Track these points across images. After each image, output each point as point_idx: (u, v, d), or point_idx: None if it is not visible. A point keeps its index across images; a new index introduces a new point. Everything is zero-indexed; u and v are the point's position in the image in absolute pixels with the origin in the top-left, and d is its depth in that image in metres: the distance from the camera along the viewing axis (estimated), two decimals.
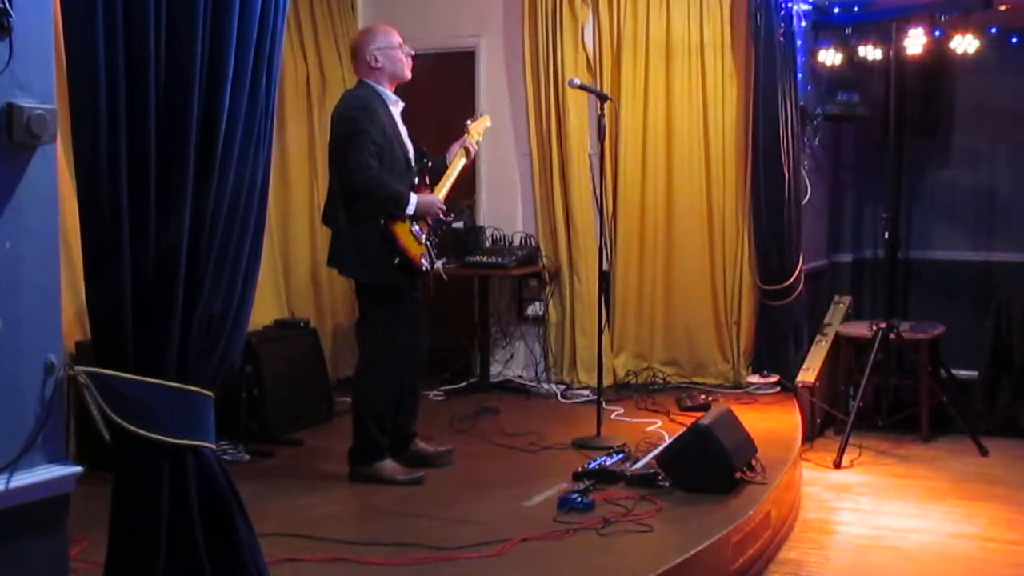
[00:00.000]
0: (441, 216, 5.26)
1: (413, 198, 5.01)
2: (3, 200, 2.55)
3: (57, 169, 2.70)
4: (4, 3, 2.47)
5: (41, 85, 2.61)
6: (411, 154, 5.16)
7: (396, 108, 5.13)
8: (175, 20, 2.76)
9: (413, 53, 5.20)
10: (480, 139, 5.52)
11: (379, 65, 5.07)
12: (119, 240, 2.72)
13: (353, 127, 4.91)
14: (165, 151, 2.78)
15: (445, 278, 5.29)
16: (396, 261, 4.97)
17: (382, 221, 4.94)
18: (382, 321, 5.08)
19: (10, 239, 2.56)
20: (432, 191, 5.21)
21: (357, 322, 5.29)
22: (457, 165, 5.37)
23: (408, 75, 5.17)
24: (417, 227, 5.07)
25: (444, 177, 5.31)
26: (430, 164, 5.27)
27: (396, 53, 5.10)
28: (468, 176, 7.29)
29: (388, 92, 5.10)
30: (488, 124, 5.64)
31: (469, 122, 5.51)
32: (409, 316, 5.15)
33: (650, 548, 4.16)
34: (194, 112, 2.80)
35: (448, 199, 5.32)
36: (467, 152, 5.41)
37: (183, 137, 2.79)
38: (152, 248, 2.78)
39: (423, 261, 5.07)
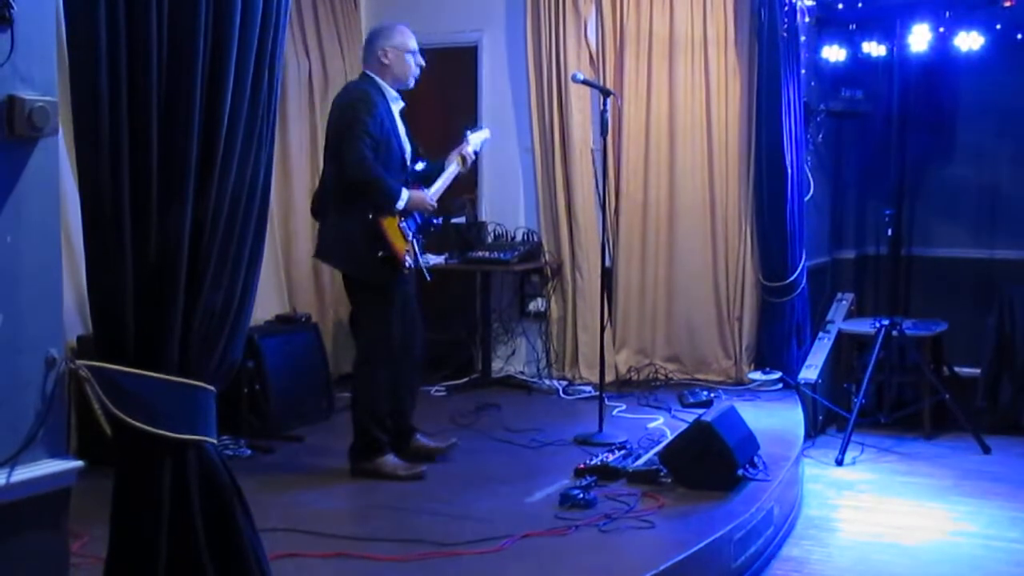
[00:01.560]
0: (431, 217, 5.24)
1: (405, 193, 5.01)
2: (4, 194, 2.54)
3: (58, 162, 2.70)
4: None
5: (43, 77, 2.60)
6: (407, 152, 5.15)
7: (396, 106, 5.13)
8: (177, 14, 2.75)
9: (424, 64, 5.20)
10: (478, 150, 5.53)
11: (387, 62, 5.08)
12: (121, 235, 2.71)
13: (351, 118, 4.91)
14: (167, 145, 2.77)
15: (428, 277, 5.26)
16: (379, 254, 4.96)
17: (370, 215, 4.93)
18: (373, 316, 5.07)
19: (11, 233, 2.56)
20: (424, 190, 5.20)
21: (350, 316, 5.27)
22: (452, 170, 5.36)
23: (411, 83, 5.19)
24: (405, 223, 5.06)
25: (438, 179, 5.31)
26: (425, 163, 5.27)
27: (407, 57, 5.12)
28: (470, 172, 7.27)
29: (390, 89, 5.10)
30: (487, 136, 5.65)
31: (469, 132, 5.52)
32: (401, 310, 5.13)
33: (652, 545, 4.15)
34: (196, 107, 2.79)
35: (441, 201, 5.32)
36: (463, 160, 5.40)
37: (185, 131, 2.79)
38: (154, 243, 2.77)
39: (407, 258, 5.04)
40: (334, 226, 5.03)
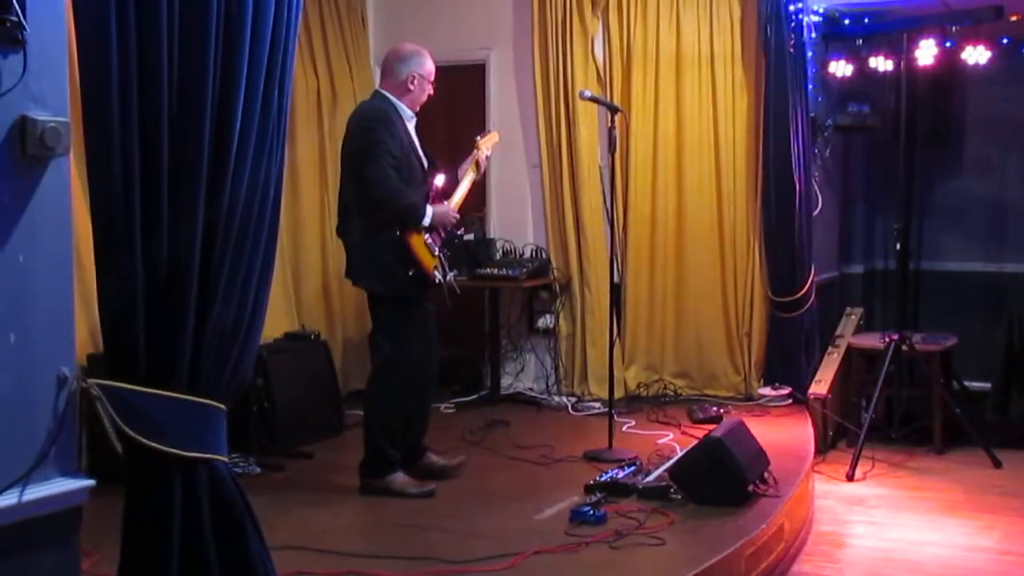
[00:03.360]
0: (455, 229, 5.28)
1: (429, 209, 5.04)
2: (16, 213, 2.56)
3: (70, 182, 2.71)
4: (18, 16, 2.48)
5: (55, 98, 2.62)
6: (426, 167, 5.18)
7: (411, 123, 5.15)
8: (187, 35, 2.78)
9: (433, 92, 5.23)
10: (489, 154, 5.55)
11: (412, 88, 5.10)
12: (132, 252, 2.73)
13: (372, 138, 4.93)
14: (178, 162, 2.79)
15: (458, 290, 5.29)
16: (410, 272, 4.98)
17: (397, 232, 4.95)
18: (395, 333, 5.07)
19: (23, 252, 2.57)
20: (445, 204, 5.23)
21: (371, 334, 5.29)
22: (467, 179, 5.40)
23: (417, 109, 5.21)
24: (431, 239, 5.09)
25: (455, 191, 5.33)
26: (442, 176, 5.29)
27: (428, 86, 5.15)
28: (479, 188, 7.29)
29: (404, 107, 5.12)
30: (496, 139, 5.68)
31: (478, 138, 5.55)
32: (422, 328, 5.15)
33: (662, 561, 4.14)
34: (206, 125, 2.81)
35: (459, 212, 5.34)
36: (477, 167, 5.44)
37: (195, 149, 2.80)
38: (165, 260, 2.78)
39: (436, 273, 5.08)
40: (362, 246, 5.03)
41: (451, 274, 5.19)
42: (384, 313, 5.13)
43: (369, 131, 4.96)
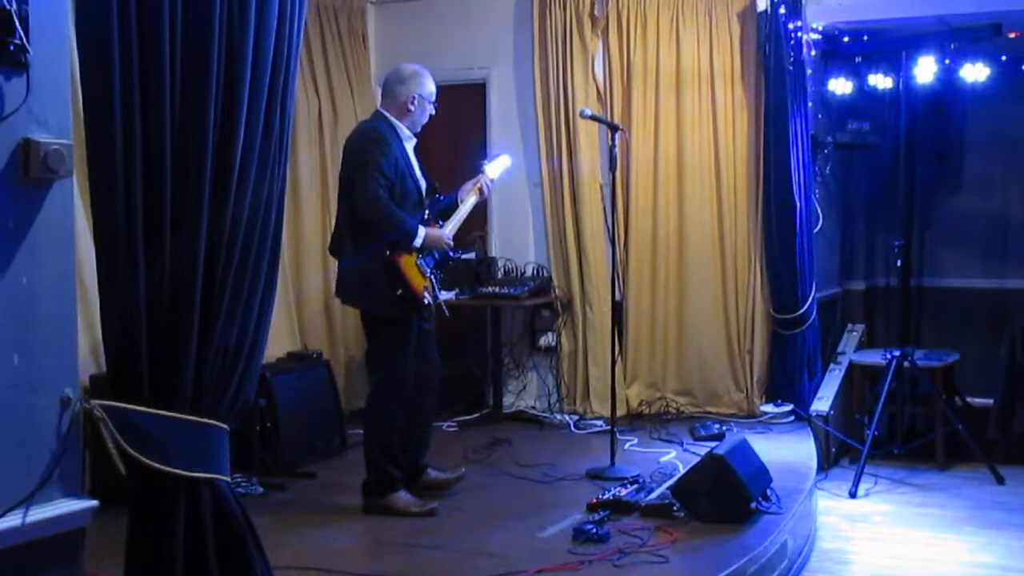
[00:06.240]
0: (449, 252, 5.26)
1: (422, 231, 5.02)
2: (20, 235, 2.57)
3: (73, 203, 2.72)
4: (22, 39, 2.50)
5: (58, 120, 2.64)
6: (424, 188, 5.18)
7: (409, 144, 5.16)
8: (189, 55, 2.80)
9: (435, 112, 5.24)
10: (496, 178, 5.52)
11: (412, 108, 5.11)
12: (134, 273, 2.74)
13: (364, 158, 4.94)
14: (180, 183, 2.80)
15: (447, 312, 5.27)
16: (398, 293, 4.97)
17: (387, 252, 4.95)
18: (389, 352, 5.07)
19: (27, 274, 2.58)
20: (442, 226, 5.22)
21: (366, 353, 5.28)
22: (468, 203, 5.37)
23: (418, 130, 5.21)
24: (423, 260, 5.08)
25: (454, 214, 5.32)
26: (441, 198, 5.30)
27: (429, 107, 5.16)
28: (480, 207, 7.31)
29: (403, 128, 5.13)
30: (508, 163, 5.64)
31: (485, 162, 5.52)
32: (418, 347, 5.14)
33: None
34: (209, 145, 2.83)
35: (456, 236, 5.33)
36: (480, 192, 5.41)
37: (198, 170, 2.82)
38: (167, 280, 2.79)
39: (425, 294, 5.06)
40: (352, 266, 5.04)
41: (446, 294, 5.18)
42: (376, 333, 5.14)
43: (361, 151, 4.98)
